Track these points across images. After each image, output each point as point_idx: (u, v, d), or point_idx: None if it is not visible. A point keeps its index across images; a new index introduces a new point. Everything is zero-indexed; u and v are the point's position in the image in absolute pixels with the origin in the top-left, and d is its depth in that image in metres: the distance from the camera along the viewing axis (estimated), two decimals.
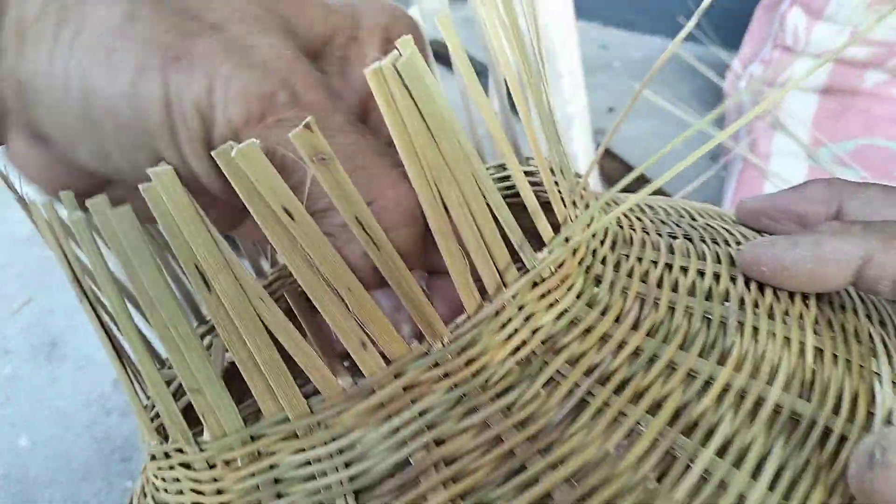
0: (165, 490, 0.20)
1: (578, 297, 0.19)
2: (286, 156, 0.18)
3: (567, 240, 0.19)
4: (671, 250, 0.21)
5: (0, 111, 0.19)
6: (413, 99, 0.15)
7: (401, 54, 0.15)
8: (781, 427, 0.16)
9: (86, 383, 0.86)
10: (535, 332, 0.18)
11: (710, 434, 0.16)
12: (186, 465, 0.19)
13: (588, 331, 0.18)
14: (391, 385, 0.17)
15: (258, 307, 0.16)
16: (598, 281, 0.19)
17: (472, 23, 0.22)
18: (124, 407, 0.83)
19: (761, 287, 0.20)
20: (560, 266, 0.19)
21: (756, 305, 0.19)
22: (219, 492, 0.18)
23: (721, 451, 0.16)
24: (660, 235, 0.22)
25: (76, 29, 0.18)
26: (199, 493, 0.19)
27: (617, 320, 0.18)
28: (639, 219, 0.23)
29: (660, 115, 0.91)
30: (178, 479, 0.19)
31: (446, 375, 0.17)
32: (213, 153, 0.15)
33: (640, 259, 0.20)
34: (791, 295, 0.20)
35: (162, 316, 0.16)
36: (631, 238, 0.21)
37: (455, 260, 0.17)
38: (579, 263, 0.19)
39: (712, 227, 0.23)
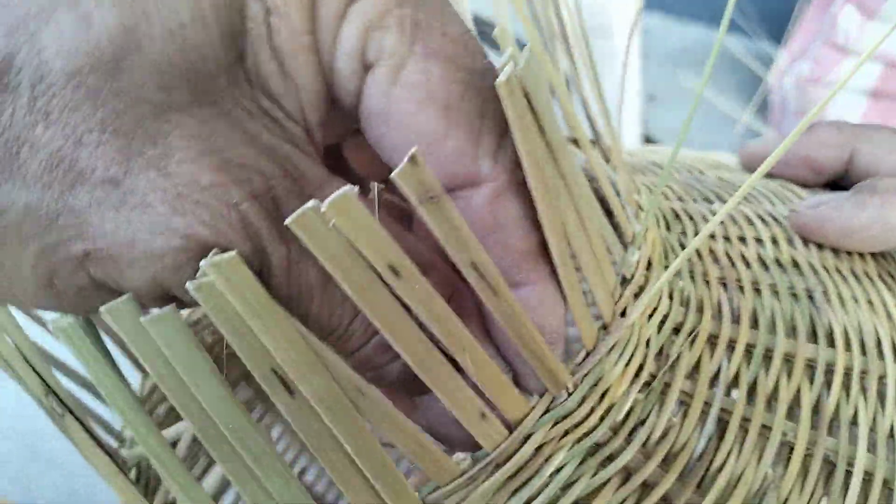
0: None
1: (671, 297, 0.17)
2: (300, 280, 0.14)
3: (646, 233, 0.18)
4: (734, 221, 0.21)
5: None
6: (535, 112, 0.13)
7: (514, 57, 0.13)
8: None
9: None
10: (647, 347, 0.16)
11: (853, 429, 0.16)
12: None
13: (693, 334, 0.17)
14: (518, 454, 0.15)
15: (357, 402, 0.13)
16: (678, 276, 0.18)
17: None
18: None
19: (819, 246, 0.20)
20: (648, 267, 0.17)
21: (825, 269, 0.19)
22: None
23: (871, 448, 0.15)
24: (696, 202, 0.21)
25: None
26: None
27: (714, 317, 0.17)
28: (669, 187, 0.22)
29: (702, 105, 0.89)
30: None
31: (574, 427, 0.15)
32: (289, 225, 0.12)
33: (697, 234, 0.19)
34: (846, 251, 0.20)
35: (231, 443, 0.13)
36: (676, 213, 0.21)
37: (573, 288, 0.15)
38: (660, 263, 0.18)
39: (727, 181, 0.23)
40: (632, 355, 0.16)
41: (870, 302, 0.19)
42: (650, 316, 0.17)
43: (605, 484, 0.15)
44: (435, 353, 0.13)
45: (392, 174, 0.12)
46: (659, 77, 1.02)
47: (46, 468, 0.77)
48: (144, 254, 0.13)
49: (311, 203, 0.11)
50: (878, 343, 0.17)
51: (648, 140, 0.90)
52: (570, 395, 0.15)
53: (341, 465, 0.14)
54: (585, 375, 0.15)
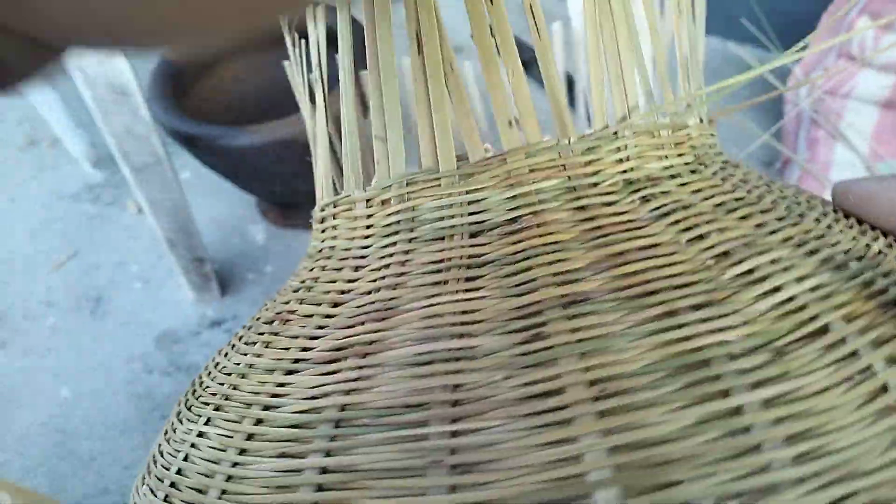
0: (331, 238, 0.24)
1: (686, 164, 0.22)
2: None
3: (686, 121, 0.22)
4: (768, 185, 0.23)
5: None
6: None
7: None
8: (831, 265, 0.19)
9: (129, 340, 0.88)
10: (643, 167, 0.21)
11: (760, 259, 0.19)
12: (349, 209, 0.23)
13: (685, 184, 0.21)
14: (520, 161, 0.20)
15: (447, 74, 0.20)
16: (704, 164, 0.22)
17: None
18: (166, 366, 0.84)
19: (847, 217, 0.22)
20: (677, 132, 0.22)
21: (837, 221, 0.21)
22: (368, 227, 0.22)
23: (772, 263, 0.19)
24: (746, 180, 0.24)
25: None
26: (352, 230, 0.23)
27: (712, 187, 0.21)
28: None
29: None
30: (336, 227, 0.24)
31: (565, 167, 0.20)
32: None
33: (744, 175, 0.23)
34: (876, 232, 0.22)
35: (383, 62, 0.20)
36: (734, 162, 0.24)
37: (596, 71, 0.21)
38: (693, 147, 0.22)
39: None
40: (627, 158, 0.21)
41: (854, 238, 0.20)
42: (661, 158, 0.21)
43: (567, 210, 0.20)
44: (496, 59, 0.20)
45: None
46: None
47: (79, 467, 0.80)
48: None
49: None
50: (837, 243, 0.20)
51: None
52: (570, 145, 0.20)
53: (425, 114, 0.21)
54: (587, 139, 0.20)
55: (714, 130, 0.24)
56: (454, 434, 0.17)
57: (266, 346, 0.22)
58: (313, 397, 0.19)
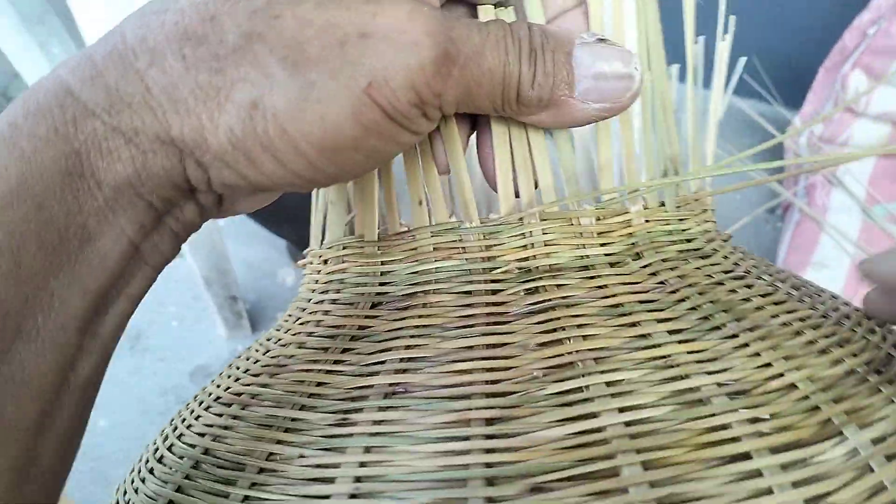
0: (302, 286, 0.25)
1: (607, 255, 0.20)
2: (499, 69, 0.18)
3: (625, 216, 0.21)
4: (730, 280, 0.21)
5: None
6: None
7: None
8: (684, 399, 0.17)
9: (164, 374, 0.93)
10: (548, 255, 0.20)
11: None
12: (311, 262, 0.25)
13: (591, 279, 0.20)
14: (426, 239, 0.21)
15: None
16: (639, 255, 0.21)
17: None
18: None
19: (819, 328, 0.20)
20: (609, 219, 0.21)
21: (764, 339, 0.19)
22: (315, 281, 0.24)
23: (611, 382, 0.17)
24: (750, 271, 0.23)
25: None
26: (308, 283, 0.24)
27: (625, 284, 0.20)
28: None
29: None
30: (305, 276, 0.25)
31: (464, 250, 0.21)
32: None
33: (699, 268, 0.21)
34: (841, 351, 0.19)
35: None
36: (705, 251, 0.22)
37: (503, 162, 0.21)
38: (629, 235, 0.21)
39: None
40: (531, 245, 0.20)
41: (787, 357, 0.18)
42: (577, 247, 0.20)
43: (452, 291, 0.20)
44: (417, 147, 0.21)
45: None
46: (680, 141, 1.09)
47: (113, 491, 0.83)
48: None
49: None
50: (713, 368, 0.18)
51: None
52: (470, 229, 0.21)
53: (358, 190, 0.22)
54: (488, 224, 0.21)
55: (684, 214, 0.22)
56: (245, 498, 0.17)
57: (224, 377, 0.23)
58: (201, 434, 0.20)
